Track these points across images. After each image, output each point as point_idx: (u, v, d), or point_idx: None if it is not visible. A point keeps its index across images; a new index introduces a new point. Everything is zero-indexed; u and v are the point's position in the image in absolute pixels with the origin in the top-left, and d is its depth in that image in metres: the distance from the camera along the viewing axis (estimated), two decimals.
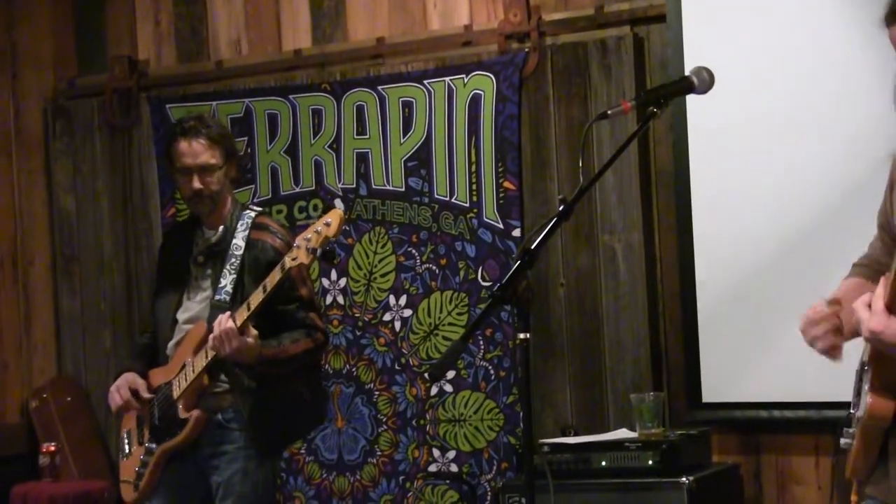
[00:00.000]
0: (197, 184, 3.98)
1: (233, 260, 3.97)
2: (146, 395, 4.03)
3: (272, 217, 4.31)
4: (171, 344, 4.05)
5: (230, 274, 3.95)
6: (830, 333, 2.64)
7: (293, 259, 3.70)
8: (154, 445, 4.00)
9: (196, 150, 3.99)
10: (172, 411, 3.96)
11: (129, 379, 4.07)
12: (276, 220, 4.28)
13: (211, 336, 3.81)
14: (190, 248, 4.07)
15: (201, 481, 3.98)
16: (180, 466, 3.99)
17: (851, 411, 2.71)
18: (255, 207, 4.12)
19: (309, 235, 3.69)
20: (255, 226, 4.02)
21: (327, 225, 3.65)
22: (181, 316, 4.04)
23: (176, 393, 3.96)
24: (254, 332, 3.80)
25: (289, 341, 3.92)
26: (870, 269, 2.78)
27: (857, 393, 2.67)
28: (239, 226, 4.01)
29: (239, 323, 3.77)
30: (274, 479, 4.08)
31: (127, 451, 4.11)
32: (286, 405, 3.98)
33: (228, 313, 3.81)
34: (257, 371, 3.86)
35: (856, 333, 2.69)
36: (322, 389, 4.21)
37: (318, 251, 3.66)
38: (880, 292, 2.44)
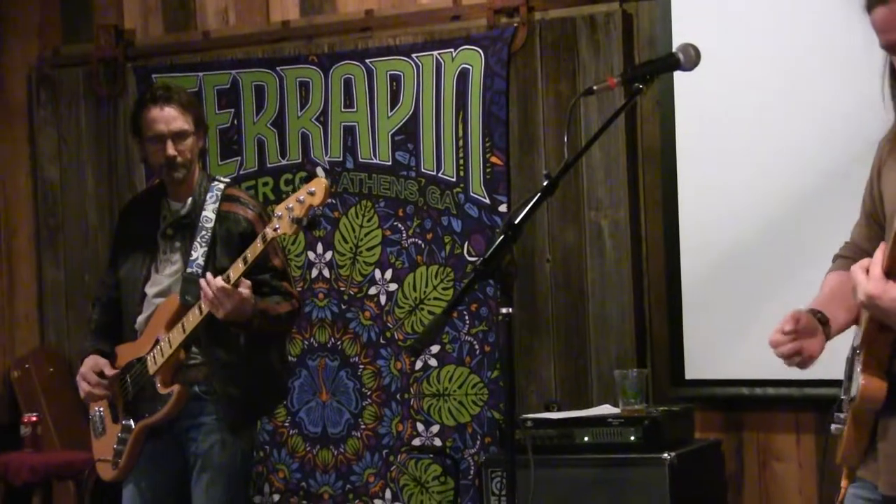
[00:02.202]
0: (171, 150, 3.94)
1: (203, 232, 3.93)
2: (111, 371, 4.00)
3: (241, 188, 4.27)
4: (140, 318, 4.01)
5: (201, 246, 3.91)
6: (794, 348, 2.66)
7: (275, 230, 3.67)
8: (131, 422, 3.98)
9: (169, 116, 3.95)
10: (150, 387, 3.94)
11: (92, 364, 4.02)
12: (246, 191, 4.24)
13: (205, 299, 3.76)
14: (155, 220, 4.02)
15: (178, 454, 3.97)
16: (157, 440, 3.97)
17: (843, 396, 2.70)
18: (222, 179, 4.08)
19: (291, 205, 3.63)
20: (226, 197, 3.98)
21: (311, 194, 3.61)
22: (150, 290, 4.00)
23: (152, 369, 3.92)
24: (247, 282, 3.76)
25: (274, 302, 3.91)
26: (853, 261, 2.78)
27: (849, 377, 2.67)
28: (208, 198, 3.97)
29: (231, 281, 3.73)
30: (252, 450, 4.08)
31: (100, 429, 4.08)
32: (259, 378, 3.97)
33: (210, 275, 3.76)
34: (254, 326, 3.81)
35: (843, 328, 2.70)
36: (288, 363, 4.21)
37: (304, 221, 3.62)
38: (879, 257, 2.44)
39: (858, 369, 2.57)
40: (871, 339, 2.55)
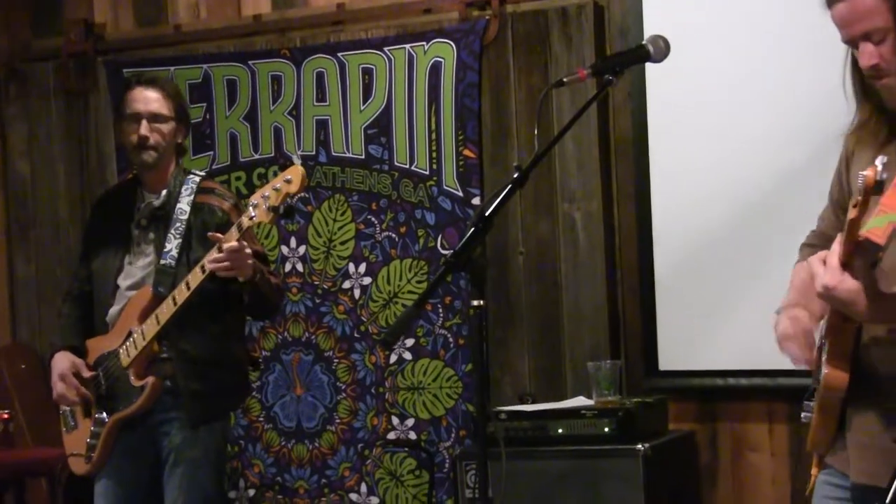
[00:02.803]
0: (144, 130, 3.93)
1: (178, 224, 3.92)
2: (87, 373, 3.99)
3: (216, 181, 4.27)
4: (112, 310, 3.99)
5: (175, 238, 3.91)
6: (805, 348, 2.67)
7: (251, 218, 3.65)
8: (104, 416, 3.96)
9: (149, 97, 3.96)
10: (123, 380, 3.92)
11: (69, 364, 3.99)
12: (220, 184, 4.24)
13: (216, 261, 3.72)
14: (129, 212, 4.01)
15: (151, 447, 3.95)
16: (130, 434, 3.96)
17: (813, 385, 2.72)
18: (198, 172, 4.07)
19: (267, 193, 3.62)
20: (201, 190, 3.98)
21: (288, 182, 3.60)
22: (123, 282, 3.99)
23: (125, 361, 3.91)
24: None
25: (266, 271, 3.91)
26: (820, 249, 2.79)
27: (819, 366, 2.68)
28: (183, 190, 3.96)
29: (209, 268, 3.71)
30: (225, 444, 4.07)
31: (72, 423, 4.06)
32: (224, 373, 3.96)
33: (218, 252, 3.72)
34: (255, 279, 3.78)
35: (819, 319, 2.71)
36: (253, 359, 4.21)
37: (280, 209, 3.61)
38: (836, 248, 2.45)
39: (824, 359, 2.59)
40: (836, 329, 2.56)
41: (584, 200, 4.81)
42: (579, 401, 4.53)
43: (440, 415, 4.99)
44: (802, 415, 2.71)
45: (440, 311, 4.98)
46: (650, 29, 4.49)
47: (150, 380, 3.87)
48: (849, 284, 2.42)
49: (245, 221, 3.67)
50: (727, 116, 4.56)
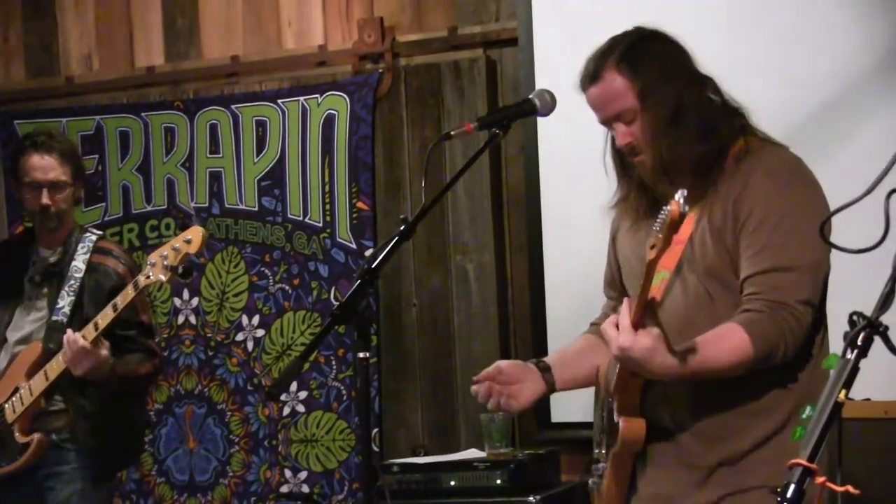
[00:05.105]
0: (46, 199, 3.92)
1: (72, 282, 3.90)
2: None
3: (113, 241, 4.26)
4: None
5: (68, 296, 3.88)
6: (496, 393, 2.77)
7: (147, 277, 3.65)
8: None
9: (48, 165, 3.94)
10: (6, 436, 3.87)
11: None
12: (118, 245, 4.23)
13: (63, 355, 3.72)
14: (22, 265, 3.99)
15: (36, 502, 3.89)
16: (14, 489, 3.90)
17: (600, 450, 2.76)
18: (95, 231, 4.07)
19: (166, 252, 3.62)
20: (97, 250, 3.96)
21: (187, 242, 3.61)
22: (12, 335, 3.95)
23: (10, 417, 3.86)
24: (106, 343, 3.73)
25: (135, 363, 3.88)
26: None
27: (601, 430, 2.73)
28: (79, 248, 3.94)
29: (90, 339, 3.70)
30: (111, 498, 4.03)
31: None
32: (120, 431, 3.92)
33: (71, 332, 3.73)
34: (112, 387, 3.78)
35: (580, 384, 2.87)
36: (146, 417, 4.19)
37: (179, 269, 3.61)
38: (626, 310, 2.50)
39: (615, 416, 2.64)
40: (623, 384, 2.62)
41: (477, 252, 4.84)
42: (472, 453, 4.54)
43: (333, 468, 4.97)
44: (590, 481, 2.74)
45: (333, 363, 4.97)
46: (542, 83, 4.54)
47: (36, 437, 3.83)
48: (642, 342, 2.48)
49: (142, 280, 3.66)
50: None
